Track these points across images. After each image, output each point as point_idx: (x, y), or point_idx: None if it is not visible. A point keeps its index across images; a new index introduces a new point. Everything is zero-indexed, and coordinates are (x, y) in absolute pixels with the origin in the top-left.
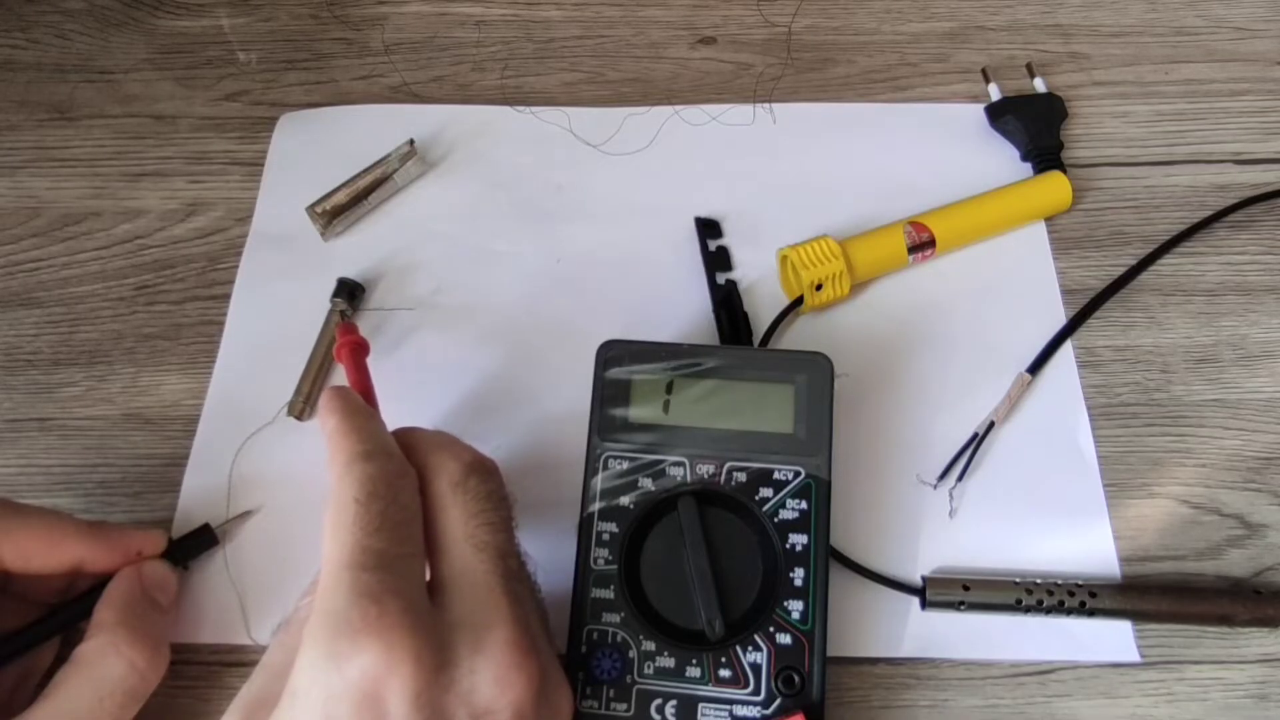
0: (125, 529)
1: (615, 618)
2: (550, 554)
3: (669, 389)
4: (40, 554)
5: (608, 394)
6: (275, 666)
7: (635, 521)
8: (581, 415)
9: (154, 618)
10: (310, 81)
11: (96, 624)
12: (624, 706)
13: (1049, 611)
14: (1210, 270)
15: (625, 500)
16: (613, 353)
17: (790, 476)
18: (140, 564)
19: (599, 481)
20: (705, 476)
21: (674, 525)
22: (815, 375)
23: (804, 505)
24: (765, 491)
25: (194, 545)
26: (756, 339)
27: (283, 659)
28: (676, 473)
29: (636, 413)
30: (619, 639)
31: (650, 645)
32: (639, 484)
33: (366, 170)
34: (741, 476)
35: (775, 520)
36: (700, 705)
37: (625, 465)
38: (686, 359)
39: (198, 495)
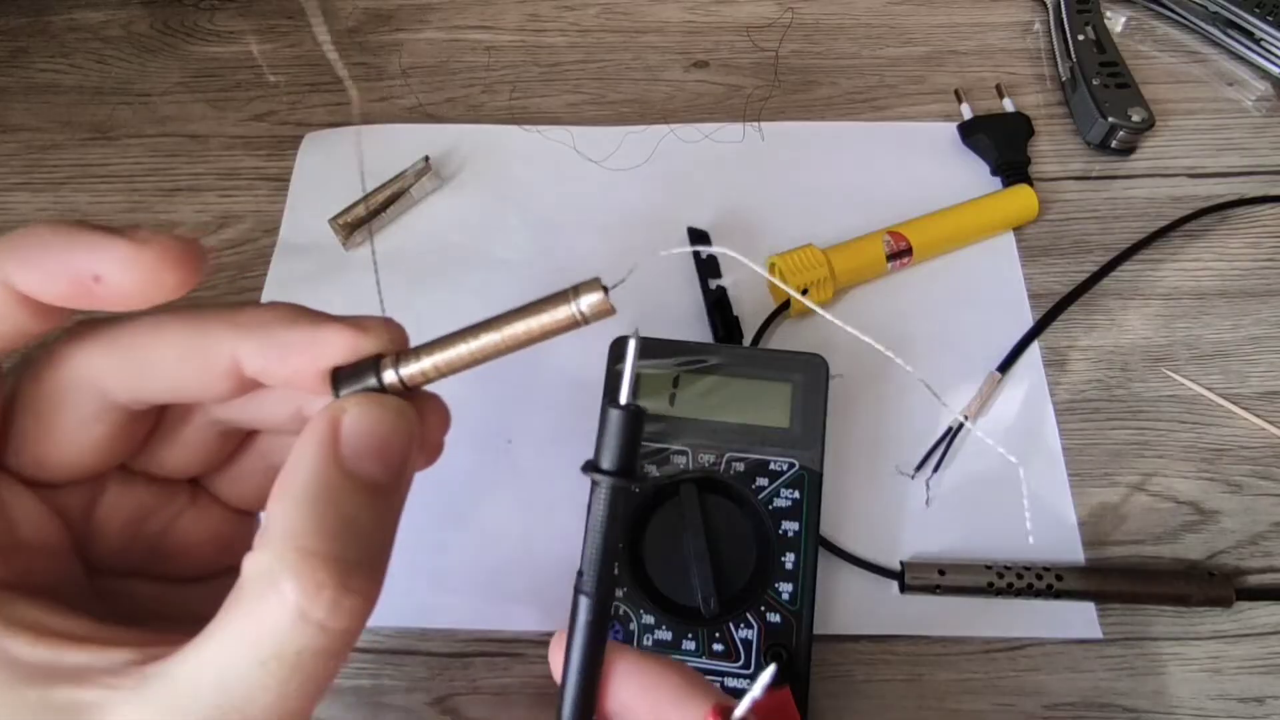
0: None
1: (619, 593)
2: (559, 534)
3: (675, 383)
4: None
5: (618, 386)
6: None
7: (640, 505)
8: (584, 411)
9: (362, 514)
10: (332, 103)
11: (264, 527)
12: None
13: (1018, 593)
14: (1166, 276)
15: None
16: (624, 349)
17: (785, 468)
18: (335, 411)
19: None
20: (706, 465)
21: (676, 509)
22: (811, 375)
23: (796, 495)
24: (761, 481)
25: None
26: (747, 340)
27: None
28: (679, 461)
29: (644, 404)
30: (621, 612)
31: (650, 619)
32: (644, 470)
33: (385, 185)
34: (740, 466)
35: (770, 508)
36: None
37: None
38: (693, 356)
39: None
